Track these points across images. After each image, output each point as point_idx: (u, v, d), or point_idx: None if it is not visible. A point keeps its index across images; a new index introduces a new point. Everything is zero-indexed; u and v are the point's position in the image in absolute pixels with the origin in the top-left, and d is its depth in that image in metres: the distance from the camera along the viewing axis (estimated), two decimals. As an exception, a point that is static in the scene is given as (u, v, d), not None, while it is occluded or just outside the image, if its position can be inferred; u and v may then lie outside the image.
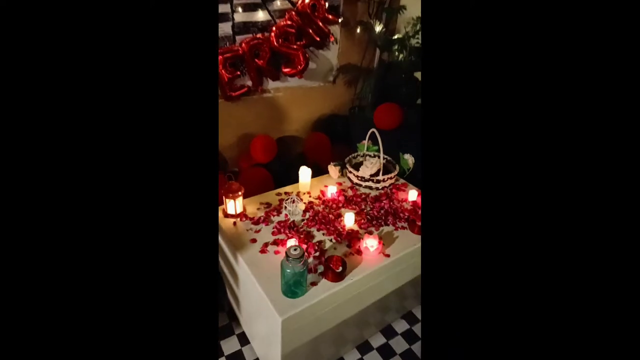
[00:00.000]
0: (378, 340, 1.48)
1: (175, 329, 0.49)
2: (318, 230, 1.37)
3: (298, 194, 1.57)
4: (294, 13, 1.83)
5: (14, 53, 0.41)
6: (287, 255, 1.04)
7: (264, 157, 1.96)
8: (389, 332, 1.52)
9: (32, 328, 0.42)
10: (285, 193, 1.59)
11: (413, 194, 1.58)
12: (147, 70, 0.47)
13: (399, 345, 1.47)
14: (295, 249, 1.05)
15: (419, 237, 1.37)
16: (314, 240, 1.32)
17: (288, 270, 1.05)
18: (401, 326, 1.55)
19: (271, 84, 2.01)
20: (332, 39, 2.01)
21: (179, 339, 0.49)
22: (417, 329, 1.54)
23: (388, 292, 1.39)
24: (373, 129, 1.66)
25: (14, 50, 0.41)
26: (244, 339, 1.45)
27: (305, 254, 1.06)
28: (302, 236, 1.32)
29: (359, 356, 1.42)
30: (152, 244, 0.48)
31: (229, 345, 1.43)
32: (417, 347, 1.46)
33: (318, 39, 1.93)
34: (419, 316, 1.60)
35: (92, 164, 0.46)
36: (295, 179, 1.65)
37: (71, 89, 0.44)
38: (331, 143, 2.19)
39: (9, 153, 0.42)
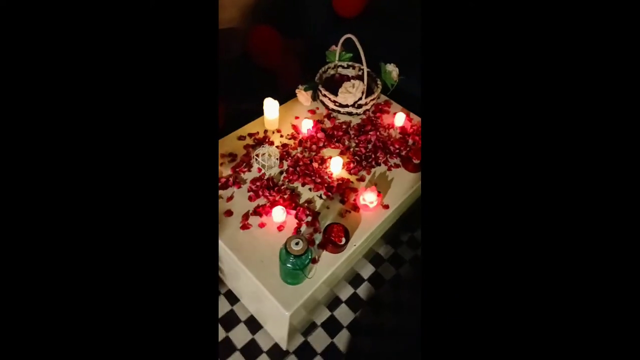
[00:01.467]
0: (368, 271, 1.48)
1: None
2: (303, 185, 1.14)
3: (267, 138, 1.26)
4: None
5: (11, 52, 0.42)
6: (286, 250, 0.84)
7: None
8: (376, 259, 1.52)
9: (29, 324, 0.42)
10: (250, 136, 1.26)
11: (400, 118, 1.36)
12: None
13: (387, 271, 1.49)
14: (297, 243, 0.84)
15: (416, 175, 1.22)
16: (301, 200, 1.11)
17: (289, 265, 0.87)
18: (386, 251, 1.55)
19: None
20: None
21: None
22: (402, 251, 1.56)
23: (383, 233, 1.31)
24: (349, 35, 1.28)
25: (10, 49, 0.42)
26: (232, 297, 1.34)
27: (305, 240, 0.87)
28: (286, 197, 1.09)
29: (353, 290, 1.42)
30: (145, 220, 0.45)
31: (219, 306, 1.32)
32: (404, 271, 1.50)
33: None
34: (402, 238, 1.60)
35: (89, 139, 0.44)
36: (244, 96, 1.29)
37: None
38: (283, 37, 1.71)
39: (6, 152, 0.42)
